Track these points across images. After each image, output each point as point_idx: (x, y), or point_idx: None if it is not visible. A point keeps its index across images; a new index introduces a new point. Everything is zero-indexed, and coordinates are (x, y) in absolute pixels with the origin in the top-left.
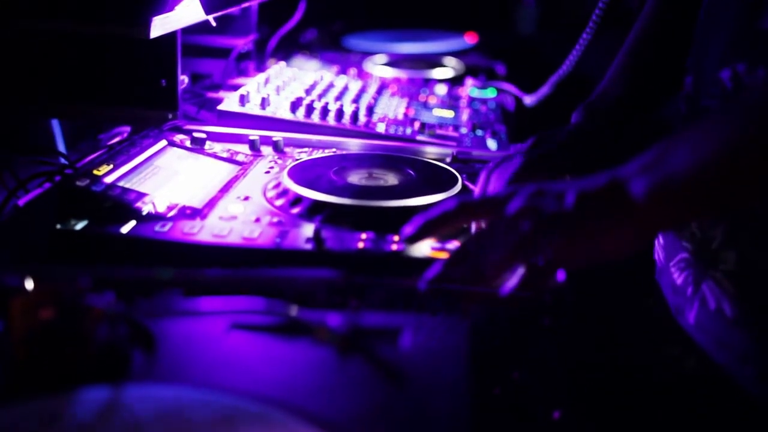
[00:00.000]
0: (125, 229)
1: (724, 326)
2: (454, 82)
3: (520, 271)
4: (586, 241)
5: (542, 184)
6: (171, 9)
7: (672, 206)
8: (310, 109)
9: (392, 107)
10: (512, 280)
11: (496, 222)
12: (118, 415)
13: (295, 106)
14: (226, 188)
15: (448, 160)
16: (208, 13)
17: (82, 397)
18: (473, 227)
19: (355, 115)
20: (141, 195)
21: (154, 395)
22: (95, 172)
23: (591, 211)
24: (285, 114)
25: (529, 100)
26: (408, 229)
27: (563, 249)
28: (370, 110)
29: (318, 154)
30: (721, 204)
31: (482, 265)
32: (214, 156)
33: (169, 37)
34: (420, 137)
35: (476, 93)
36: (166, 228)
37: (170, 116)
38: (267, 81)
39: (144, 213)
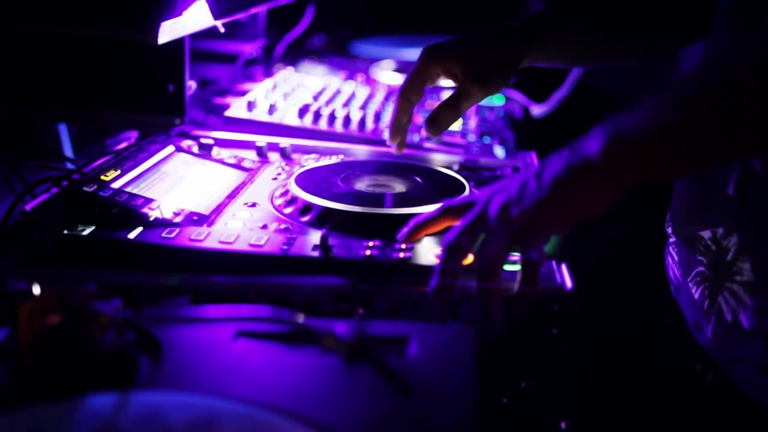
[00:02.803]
0: (132, 235)
1: (741, 338)
2: None
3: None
4: (561, 207)
5: (514, 177)
6: (179, 14)
7: (629, 157)
8: (317, 115)
9: None
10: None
11: (480, 215)
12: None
13: (302, 112)
14: (233, 194)
15: (456, 167)
16: (216, 18)
17: (89, 403)
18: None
19: (362, 122)
20: (148, 201)
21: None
22: (102, 177)
23: (558, 181)
24: (292, 120)
25: (537, 111)
26: (403, 231)
27: (543, 221)
28: (378, 117)
29: (325, 160)
30: (680, 157)
31: (479, 259)
32: (222, 162)
33: (177, 43)
34: (427, 144)
35: (484, 100)
36: (173, 234)
37: (178, 122)
38: (274, 87)
39: (151, 219)
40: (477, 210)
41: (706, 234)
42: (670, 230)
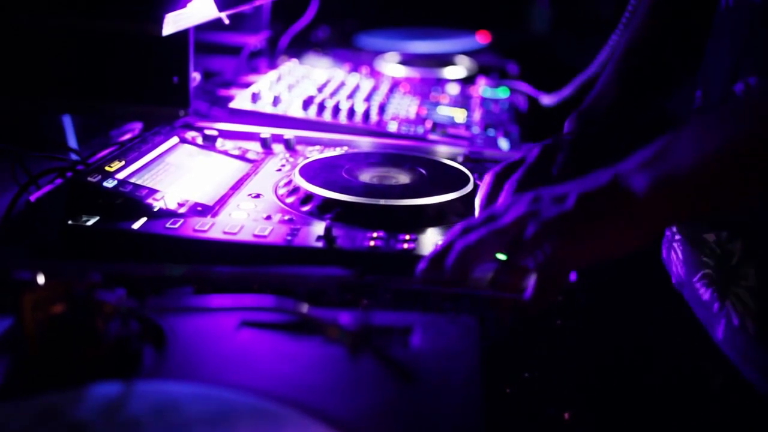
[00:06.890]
0: (136, 226)
1: (748, 342)
2: (466, 81)
3: (533, 281)
4: (588, 240)
5: (541, 189)
6: (184, 6)
7: (673, 201)
8: (321, 107)
9: (404, 106)
10: (528, 290)
11: (489, 226)
12: (120, 411)
13: (306, 104)
14: (237, 186)
15: (460, 159)
16: (221, 10)
17: (93, 392)
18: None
19: (366, 114)
20: (152, 191)
21: (156, 391)
22: (107, 168)
23: (592, 210)
24: (297, 112)
25: (548, 100)
26: (423, 267)
27: (566, 249)
28: (382, 109)
29: (329, 152)
30: (724, 200)
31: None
32: (226, 153)
33: (182, 34)
34: (432, 136)
35: (488, 93)
36: (177, 225)
37: (182, 113)
38: (279, 79)
39: (155, 209)
40: (511, 218)
41: (711, 237)
42: (674, 228)
